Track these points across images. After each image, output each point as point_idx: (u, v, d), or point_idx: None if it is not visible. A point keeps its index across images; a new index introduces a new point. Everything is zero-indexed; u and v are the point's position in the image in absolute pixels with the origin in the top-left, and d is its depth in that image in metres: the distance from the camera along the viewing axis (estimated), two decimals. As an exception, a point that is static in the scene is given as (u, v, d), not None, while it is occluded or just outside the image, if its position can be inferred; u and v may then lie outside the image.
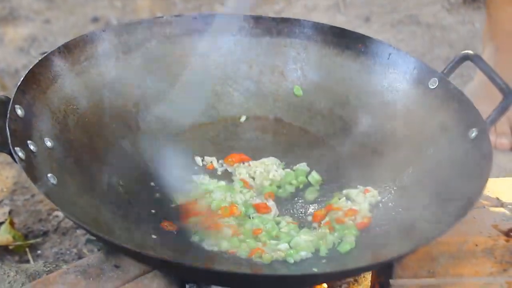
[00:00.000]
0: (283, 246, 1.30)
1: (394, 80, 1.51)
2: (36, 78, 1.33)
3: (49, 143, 1.29)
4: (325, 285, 1.40)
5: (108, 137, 1.42)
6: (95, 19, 2.70)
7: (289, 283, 1.15)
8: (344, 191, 1.42)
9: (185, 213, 1.35)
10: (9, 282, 1.36)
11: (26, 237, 1.74)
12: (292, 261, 1.27)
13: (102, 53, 1.47)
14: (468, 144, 1.34)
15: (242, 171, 1.46)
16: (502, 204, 1.41)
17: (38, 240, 1.73)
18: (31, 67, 1.33)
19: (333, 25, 1.58)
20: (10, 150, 1.19)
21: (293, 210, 1.41)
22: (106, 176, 1.36)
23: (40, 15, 2.73)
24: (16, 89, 1.27)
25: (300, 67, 1.59)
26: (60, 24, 2.68)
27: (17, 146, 1.19)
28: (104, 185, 1.34)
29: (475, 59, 1.43)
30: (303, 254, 1.29)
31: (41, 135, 1.28)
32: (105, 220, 1.26)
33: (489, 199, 1.42)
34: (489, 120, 1.37)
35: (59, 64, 1.39)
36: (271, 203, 1.40)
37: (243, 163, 1.48)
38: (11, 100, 1.25)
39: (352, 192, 1.41)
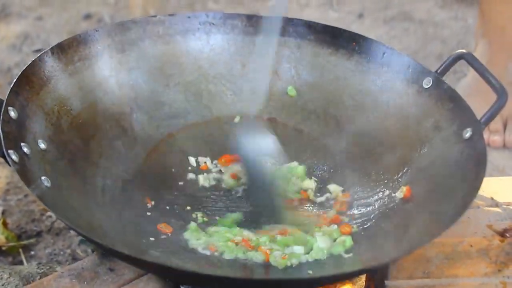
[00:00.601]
0: (277, 253, 1.28)
1: (388, 79, 1.51)
2: (29, 79, 1.33)
3: (42, 145, 1.28)
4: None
5: (101, 139, 1.41)
6: (88, 16, 2.69)
7: (284, 287, 1.15)
8: (339, 191, 1.42)
9: None
10: (2, 285, 1.35)
11: (19, 237, 1.73)
12: (288, 264, 1.26)
13: (95, 53, 1.47)
14: (462, 144, 1.34)
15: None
16: (496, 204, 1.41)
17: (32, 241, 1.72)
18: (24, 68, 1.32)
19: (326, 23, 1.58)
20: (3, 153, 1.18)
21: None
22: (100, 178, 1.35)
23: (33, 12, 2.71)
24: (9, 91, 1.26)
25: (294, 66, 1.58)
26: (53, 21, 2.67)
27: (10, 149, 1.18)
28: (98, 187, 1.33)
29: (469, 58, 1.43)
30: (298, 257, 1.27)
31: (35, 137, 1.27)
32: (99, 223, 1.25)
33: (483, 199, 1.41)
34: (483, 120, 1.37)
35: (52, 65, 1.38)
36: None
37: (237, 164, 1.47)
38: (4, 101, 1.24)
39: (347, 193, 1.41)
